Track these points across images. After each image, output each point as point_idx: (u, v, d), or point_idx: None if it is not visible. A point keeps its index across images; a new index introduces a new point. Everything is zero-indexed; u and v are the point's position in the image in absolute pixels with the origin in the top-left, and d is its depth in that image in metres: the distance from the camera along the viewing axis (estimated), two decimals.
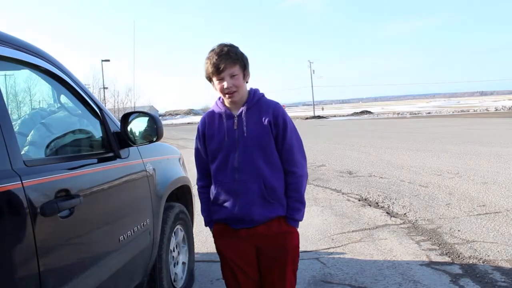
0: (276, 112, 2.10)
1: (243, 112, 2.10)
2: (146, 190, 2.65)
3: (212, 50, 2.08)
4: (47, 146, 2.18)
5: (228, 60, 2.02)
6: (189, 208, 3.60)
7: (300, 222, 2.18)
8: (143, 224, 2.53)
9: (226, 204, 2.11)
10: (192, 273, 3.45)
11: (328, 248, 4.29)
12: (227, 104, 2.16)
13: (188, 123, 71.37)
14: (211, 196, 2.19)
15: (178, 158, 3.59)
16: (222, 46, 2.08)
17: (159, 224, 2.80)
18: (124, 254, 2.31)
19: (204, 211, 2.28)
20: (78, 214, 1.82)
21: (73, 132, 2.49)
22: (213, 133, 2.15)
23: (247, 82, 2.14)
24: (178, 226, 3.25)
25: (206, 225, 2.30)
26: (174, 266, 3.17)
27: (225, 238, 2.18)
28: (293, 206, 2.10)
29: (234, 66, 2.04)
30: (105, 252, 2.12)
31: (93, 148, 2.47)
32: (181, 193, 3.44)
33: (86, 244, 1.96)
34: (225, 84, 2.04)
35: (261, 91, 2.20)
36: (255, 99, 2.13)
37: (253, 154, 2.07)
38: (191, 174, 3.62)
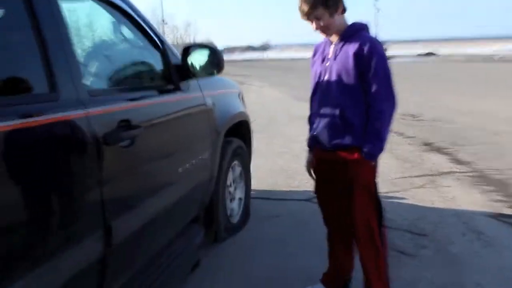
0: (362, 45, 2.09)
1: (336, 43, 2.19)
2: (205, 124, 2.64)
3: None
4: (110, 78, 2.19)
5: (308, 5, 2.09)
6: (247, 144, 3.58)
7: None
8: (202, 158, 2.54)
9: (314, 125, 2.29)
10: (247, 210, 3.49)
11: (387, 192, 4.12)
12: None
13: (247, 59, 70.79)
14: None
15: (237, 93, 3.54)
16: None
17: (217, 159, 2.81)
18: (183, 186, 2.35)
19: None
20: (138, 144, 1.83)
21: (135, 64, 2.47)
22: (315, 60, 2.32)
23: (343, 13, 2.15)
24: (236, 162, 3.26)
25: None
26: (231, 201, 3.21)
27: (315, 157, 2.37)
28: (367, 139, 2.14)
29: (316, 9, 2.09)
30: (164, 182, 2.16)
31: (153, 80, 2.46)
32: (239, 128, 3.41)
33: (146, 173, 1.99)
34: (313, 26, 2.15)
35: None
36: (350, 32, 2.17)
37: (336, 83, 2.16)
38: (250, 110, 3.60)
